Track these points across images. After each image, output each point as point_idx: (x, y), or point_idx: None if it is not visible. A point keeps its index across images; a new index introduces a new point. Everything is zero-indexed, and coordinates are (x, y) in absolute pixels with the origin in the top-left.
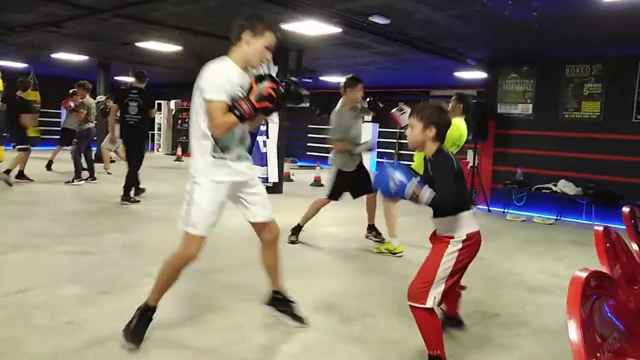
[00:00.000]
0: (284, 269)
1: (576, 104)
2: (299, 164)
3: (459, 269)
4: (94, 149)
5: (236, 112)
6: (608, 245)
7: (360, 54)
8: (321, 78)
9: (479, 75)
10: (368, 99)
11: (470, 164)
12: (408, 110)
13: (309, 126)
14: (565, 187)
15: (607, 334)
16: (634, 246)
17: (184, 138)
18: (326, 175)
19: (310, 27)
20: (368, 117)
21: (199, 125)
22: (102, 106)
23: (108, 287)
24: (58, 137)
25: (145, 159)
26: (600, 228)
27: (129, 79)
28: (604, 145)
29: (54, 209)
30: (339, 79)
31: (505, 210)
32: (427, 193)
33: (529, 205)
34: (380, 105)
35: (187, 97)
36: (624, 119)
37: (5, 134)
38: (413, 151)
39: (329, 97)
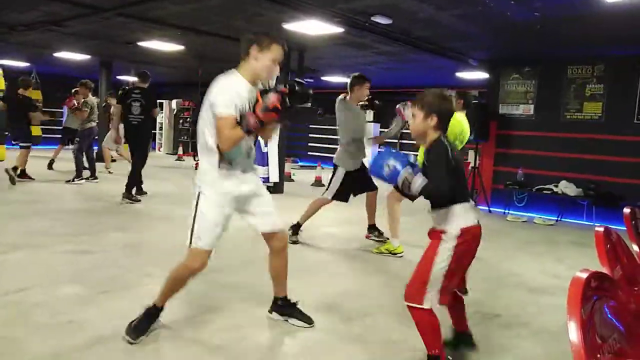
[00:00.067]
0: None
1: (578, 105)
2: (300, 164)
3: (457, 266)
4: (95, 148)
5: (243, 126)
6: (609, 246)
7: (362, 54)
8: (323, 78)
9: (481, 75)
10: (369, 99)
11: (472, 164)
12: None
13: (310, 126)
14: (566, 188)
15: (607, 335)
16: (635, 247)
17: (185, 138)
18: (330, 176)
19: (312, 27)
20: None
21: (206, 138)
22: (103, 103)
23: (108, 287)
24: (59, 136)
25: (147, 159)
26: (601, 229)
27: (131, 79)
28: (606, 146)
29: (54, 208)
30: (341, 79)
31: (506, 211)
32: (419, 181)
33: (530, 206)
34: (377, 102)
35: (188, 97)
36: (626, 120)
37: (6, 133)
38: (415, 144)
39: (331, 97)
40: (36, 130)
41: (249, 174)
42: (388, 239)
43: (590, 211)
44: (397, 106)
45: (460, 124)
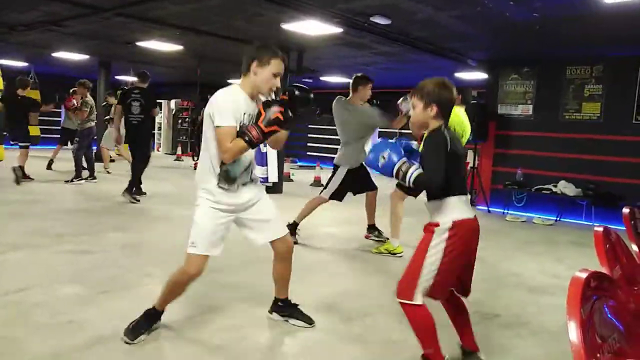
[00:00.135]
0: None
1: (577, 105)
2: (299, 164)
3: (451, 261)
4: (94, 148)
5: (245, 137)
6: (608, 246)
7: (361, 54)
8: (322, 78)
9: (480, 76)
10: (369, 100)
11: (471, 164)
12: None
13: (309, 126)
14: (565, 188)
15: (607, 335)
16: (634, 247)
17: (184, 138)
18: (330, 175)
19: (311, 27)
20: None
21: (209, 151)
22: (103, 102)
23: (108, 287)
24: (58, 136)
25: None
26: (600, 229)
27: (130, 79)
28: (604, 147)
29: (54, 208)
30: (340, 79)
31: (505, 211)
32: (414, 172)
33: (529, 206)
34: (376, 102)
35: (187, 97)
36: (625, 120)
37: (5, 133)
38: (417, 136)
39: (330, 97)
40: (35, 131)
41: (247, 187)
42: (388, 238)
43: (590, 211)
44: (397, 102)
45: (458, 116)
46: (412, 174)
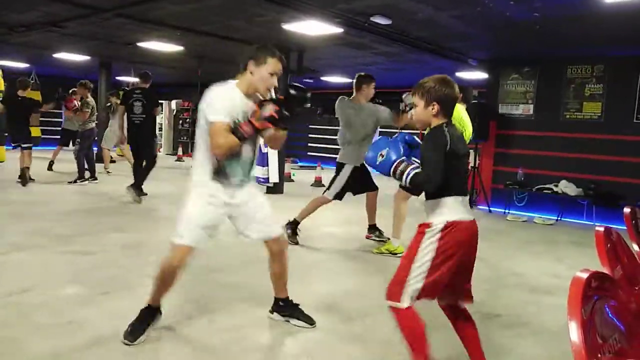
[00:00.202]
0: None
1: (577, 105)
2: (300, 164)
3: (443, 263)
4: (95, 149)
5: (237, 134)
6: (609, 246)
7: (361, 54)
8: (322, 78)
9: (480, 75)
10: (371, 99)
11: (471, 164)
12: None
13: (310, 126)
14: (566, 187)
15: (608, 335)
16: (635, 247)
17: (185, 138)
18: (333, 175)
19: (312, 27)
20: None
21: (203, 146)
22: (108, 103)
23: (108, 287)
24: (58, 137)
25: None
26: (601, 229)
27: (131, 79)
28: (605, 146)
29: (54, 209)
30: (340, 79)
31: (506, 211)
32: (411, 172)
33: (530, 206)
34: (379, 102)
35: (188, 97)
36: (625, 119)
37: (6, 134)
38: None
39: (330, 97)
40: (35, 131)
41: (243, 186)
42: (389, 238)
43: (590, 211)
44: (403, 96)
45: (457, 112)
46: (409, 173)
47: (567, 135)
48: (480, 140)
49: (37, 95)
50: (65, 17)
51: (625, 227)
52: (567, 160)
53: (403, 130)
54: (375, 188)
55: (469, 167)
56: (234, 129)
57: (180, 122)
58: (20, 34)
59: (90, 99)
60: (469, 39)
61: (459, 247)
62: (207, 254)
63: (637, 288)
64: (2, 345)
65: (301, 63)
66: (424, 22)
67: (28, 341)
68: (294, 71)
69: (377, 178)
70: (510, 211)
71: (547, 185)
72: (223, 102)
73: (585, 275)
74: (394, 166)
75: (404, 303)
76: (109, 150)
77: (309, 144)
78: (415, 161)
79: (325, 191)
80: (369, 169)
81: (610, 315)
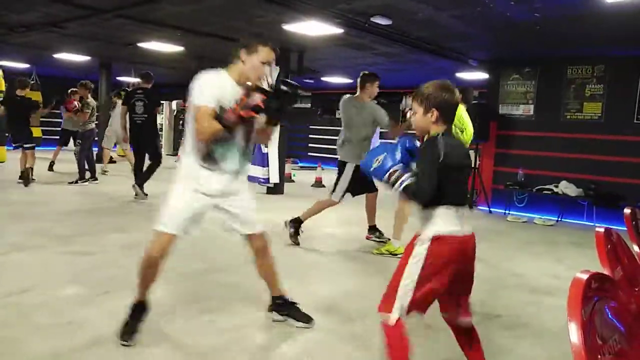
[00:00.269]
0: (284, 269)
1: (578, 105)
2: (300, 164)
3: (429, 276)
4: (95, 149)
5: (223, 120)
6: (609, 246)
7: (361, 54)
8: (323, 78)
9: (481, 76)
10: (375, 98)
11: (472, 164)
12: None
13: (311, 127)
14: (566, 188)
15: (608, 336)
16: (635, 248)
17: None
18: (337, 175)
19: (312, 28)
20: None
21: (191, 132)
22: (112, 104)
23: (108, 287)
24: (58, 137)
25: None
26: (602, 229)
27: (131, 79)
28: (606, 147)
29: (54, 209)
30: (341, 80)
31: (506, 212)
32: (404, 181)
33: (530, 207)
34: (383, 102)
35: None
36: (626, 120)
37: (7, 134)
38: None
39: (331, 98)
40: (36, 132)
41: (233, 175)
42: (389, 239)
43: (591, 211)
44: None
45: (458, 112)
46: (401, 183)
47: (568, 135)
48: (481, 141)
49: (37, 96)
50: (66, 18)
51: (625, 228)
52: (568, 160)
53: (408, 132)
54: (375, 189)
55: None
56: (219, 116)
57: (181, 122)
58: (20, 34)
59: (91, 100)
60: (469, 39)
61: (448, 261)
62: (207, 254)
63: (637, 289)
64: (2, 345)
65: (301, 63)
66: (424, 23)
67: (28, 341)
68: (294, 71)
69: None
70: (510, 212)
71: (547, 186)
72: (211, 88)
73: (585, 276)
74: (388, 173)
75: (394, 314)
76: (109, 150)
77: (310, 145)
78: (406, 172)
79: (331, 193)
80: None
81: (610, 316)
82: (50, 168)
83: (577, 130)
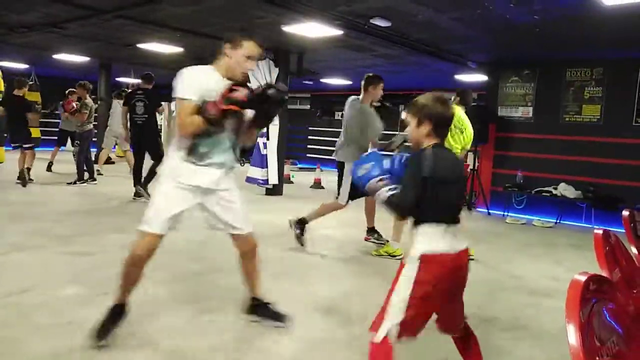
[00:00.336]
0: (285, 270)
1: (577, 108)
2: (299, 165)
3: (421, 297)
4: (93, 150)
5: (205, 113)
6: (607, 248)
7: (361, 56)
8: (322, 80)
9: (480, 78)
10: (379, 101)
11: (471, 166)
12: None
13: (310, 128)
14: (565, 190)
15: (606, 338)
16: (634, 250)
17: None
18: (337, 177)
19: (312, 29)
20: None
21: (175, 129)
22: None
23: (108, 287)
24: (56, 138)
25: (145, 161)
26: (600, 231)
27: (131, 80)
28: (604, 149)
29: (54, 209)
30: (340, 81)
31: (505, 214)
32: (387, 193)
33: (529, 209)
34: (389, 105)
35: None
36: (625, 122)
37: (5, 135)
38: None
39: (330, 99)
40: (35, 132)
41: (221, 171)
42: (387, 241)
43: (589, 213)
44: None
45: (457, 113)
46: (384, 194)
47: (567, 138)
48: (480, 143)
49: (36, 97)
50: (66, 18)
51: (624, 230)
52: (566, 163)
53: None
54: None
55: (469, 170)
56: (202, 109)
57: None
58: (20, 34)
59: (89, 100)
60: (469, 42)
61: (439, 283)
62: (206, 254)
63: (635, 291)
64: (2, 345)
65: (301, 65)
66: (424, 25)
67: (28, 341)
68: (294, 73)
69: None
70: (509, 214)
71: (546, 188)
72: (193, 82)
73: (583, 278)
74: (370, 182)
75: (380, 334)
76: (109, 150)
77: (309, 146)
78: (391, 184)
79: (336, 197)
80: None
81: (608, 318)
82: (49, 168)
83: (576, 133)
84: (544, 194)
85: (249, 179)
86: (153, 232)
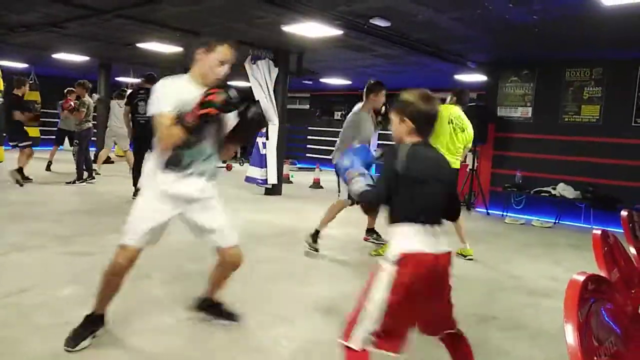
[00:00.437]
0: (284, 270)
1: (576, 108)
2: (299, 165)
3: (399, 301)
4: (93, 149)
5: (183, 121)
6: (606, 249)
7: (361, 56)
8: (321, 80)
9: (479, 78)
10: (384, 109)
11: (470, 166)
12: None
13: (309, 128)
14: (564, 190)
15: (604, 338)
16: (632, 250)
17: None
18: (337, 179)
19: (312, 29)
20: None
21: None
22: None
23: None
24: (54, 137)
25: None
26: (599, 232)
27: (130, 80)
28: (604, 149)
29: (53, 209)
30: (340, 81)
31: (504, 214)
32: (360, 187)
33: (528, 209)
34: (388, 107)
35: None
36: (624, 122)
37: (4, 134)
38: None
39: (329, 99)
40: (34, 132)
41: (202, 179)
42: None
43: (588, 214)
44: None
45: (449, 109)
46: (358, 187)
47: (566, 138)
48: (479, 143)
49: (36, 96)
50: (66, 18)
51: (622, 230)
52: (565, 163)
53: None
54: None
55: (468, 170)
56: (180, 118)
57: None
58: (20, 34)
59: (87, 99)
60: (469, 42)
61: (418, 285)
62: (206, 254)
63: (633, 291)
64: (2, 345)
65: (301, 65)
66: (424, 25)
67: (27, 341)
68: (294, 73)
69: None
70: (508, 214)
71: (545, 188)
72: (168, 93)
73: (582, 278)
74: (349, 175)
75: (352, 343)
76: (108, 150)
77: (308, 146)
78: (367, 179)
79: (339, 195)
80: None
81: (606, 318)
82: (48, 168)
83: (575, 133)
84: (543, 194)
85: (248, 179)
86: (134, 246)
